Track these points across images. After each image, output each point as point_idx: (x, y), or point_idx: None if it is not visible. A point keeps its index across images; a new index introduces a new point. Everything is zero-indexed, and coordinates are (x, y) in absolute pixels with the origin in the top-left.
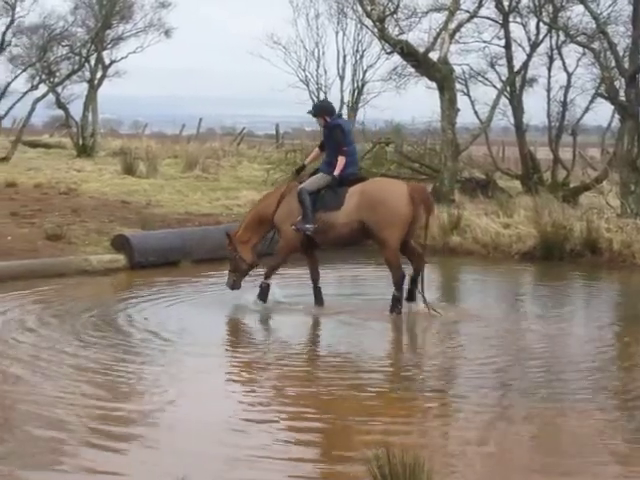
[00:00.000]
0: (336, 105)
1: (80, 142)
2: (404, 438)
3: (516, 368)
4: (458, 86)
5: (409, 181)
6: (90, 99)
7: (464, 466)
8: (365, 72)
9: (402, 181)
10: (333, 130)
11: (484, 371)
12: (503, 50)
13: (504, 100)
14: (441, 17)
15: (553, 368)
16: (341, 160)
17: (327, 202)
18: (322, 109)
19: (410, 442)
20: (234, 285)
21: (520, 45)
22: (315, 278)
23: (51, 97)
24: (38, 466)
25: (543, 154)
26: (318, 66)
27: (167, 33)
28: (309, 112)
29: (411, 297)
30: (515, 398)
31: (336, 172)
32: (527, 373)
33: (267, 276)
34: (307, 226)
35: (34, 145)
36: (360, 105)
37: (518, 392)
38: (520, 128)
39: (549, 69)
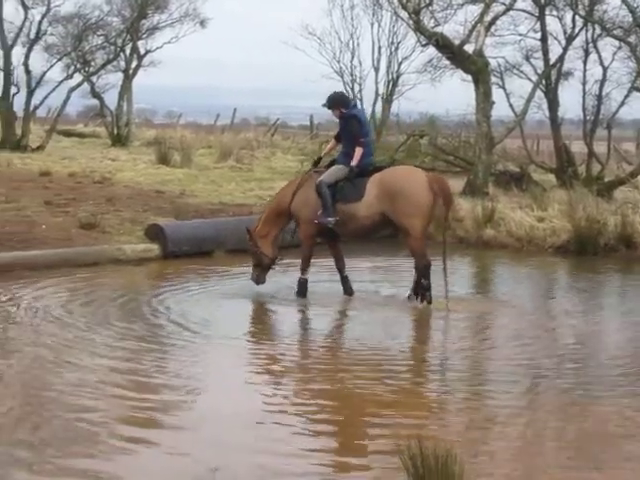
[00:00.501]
0: (371, 97)
1: (115, 131)
2: (434, 433)
3: (549, 362)
4: (493, 79)
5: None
6: (125, 89)
7: (495, 460)
8: (400, 64)
9: (421, 170)
10: (349, 121)
11: (517, 366)
12: (539, 43)
13: (539, 93)
14: (477, 9)
15: (587, 363)
16: (358, 151)
17: (347, 194)
18: (337, 101)
19: (441, 437)
20: (258, 279)
21: (556, 38)
22: (340, 267)
23: (86, 86)
24: (69, 455)
25: (578, 148)
26: (353, 57)
27: (202, 23)
28: (324, 105)
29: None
30: (548, 391)
31: (354, 163)
32: (560, 367)
33: (303, 270)
34: (329, 219)
35: (69, 134)
36: (395, 97)
37: (551, 386)
38: (555, 121)
39: (585, 62)
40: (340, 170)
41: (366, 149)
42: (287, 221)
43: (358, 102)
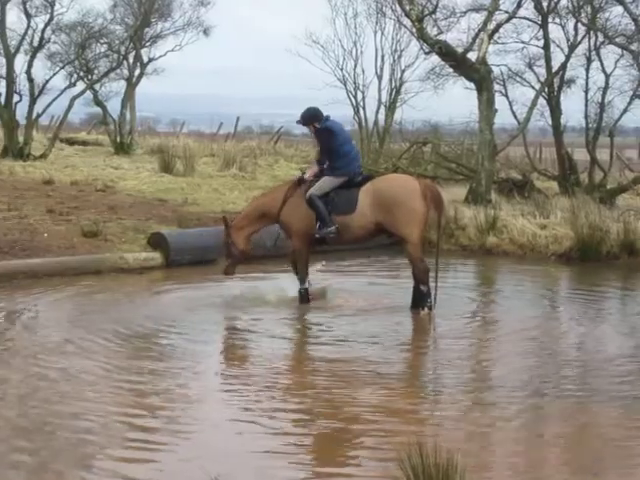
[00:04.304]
0: (374, 105)
1: (117, 140)
2: (435, 441)
3: (550, 370)
4: (496, 87)
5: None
6: (128, 97)
7: (496, 469)
8: (403, 72)
9: (413, 177)
10: (322, 134)
11: (518, 375)
12: (541, 51)
13: (542, 101)
14: (480, 17)
15: (587, 371)
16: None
17: (339, 206)
18: (310, 117)
19: (442, 445)
20: (227, 271)
21: (558, 46)
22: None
23: (89, 94)
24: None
25: (580, 155)
26: (356, 65)
27: (206, 32)
28: (298, 122)
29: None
30: (549, 401)
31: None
32: (561, 375)
33: (302, 281)
34: (329, 229)
35: (71, 142)
36: (398, 105)
37: (553, 395)
38: (557, 129)
39: (587, 70)
40: (329, 181)
41: (350, 155)
42: (269, 223)
43: (331, 116)
